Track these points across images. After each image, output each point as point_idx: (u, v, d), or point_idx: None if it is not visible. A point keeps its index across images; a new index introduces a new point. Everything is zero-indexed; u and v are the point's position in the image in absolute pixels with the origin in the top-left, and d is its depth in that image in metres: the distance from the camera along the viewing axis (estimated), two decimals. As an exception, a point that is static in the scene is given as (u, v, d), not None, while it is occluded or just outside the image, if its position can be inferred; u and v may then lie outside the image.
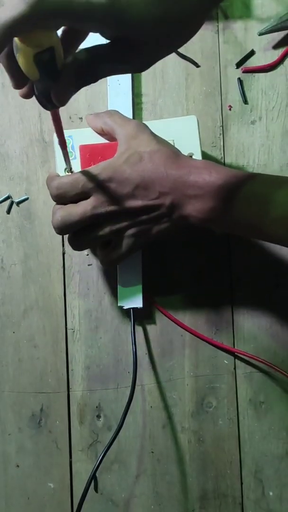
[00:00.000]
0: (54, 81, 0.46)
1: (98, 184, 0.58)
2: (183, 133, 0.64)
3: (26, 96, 0.48)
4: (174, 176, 0.58)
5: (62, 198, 0.60)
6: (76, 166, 0.63)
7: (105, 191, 0.58)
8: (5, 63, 0.45)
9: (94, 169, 0.59)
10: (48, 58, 0.44)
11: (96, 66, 0.47)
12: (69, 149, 0.63)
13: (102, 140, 0.64)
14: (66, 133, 0.64)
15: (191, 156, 0.64)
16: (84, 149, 0.62)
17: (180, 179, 0.58)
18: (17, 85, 0.47)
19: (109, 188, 0.58)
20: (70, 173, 0.62)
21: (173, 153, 0.60)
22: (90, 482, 0.64)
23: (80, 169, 0.62)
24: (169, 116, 0.71)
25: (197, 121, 0.65)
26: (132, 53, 0.47)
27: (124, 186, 0.58)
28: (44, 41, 0.43)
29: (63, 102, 0.48)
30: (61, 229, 0.60)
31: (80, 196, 0.59)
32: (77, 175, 0.59)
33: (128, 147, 0.59)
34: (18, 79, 0.46)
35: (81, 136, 0.64)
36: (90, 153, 0.62)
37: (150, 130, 0.61)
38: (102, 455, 0.64)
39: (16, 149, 0.70)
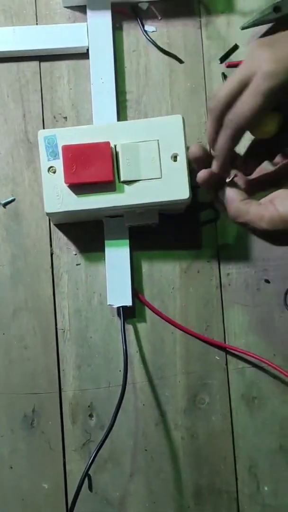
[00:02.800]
0: None
1: None
2: (168, 132, 0.64)
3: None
4: None
5: None
6: (59, 165, 0.63)
7: None
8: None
9: None
10: None
11: None
12: (52, 148, 0.63)
13: (86, 140, 0.63)
14: (49, 132, 0.64)
15: (175, 157, 0.64)
16: (67, 149, 0.62)
17: None
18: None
19: None
20: None
21: None
22: (83, 481, 0.64)
23: (62, 169, 0.62)
24: (153, 113, 0.71)
25: (183, 120, 0.64)
26: None
27: None
28: None
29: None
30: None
31: None
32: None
33: None
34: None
35: (64, 135, 0.64)
36: (72, 153, 0.62)
37: None
38: (94, 453, 0.64)
39: (1, 150, 0.70)
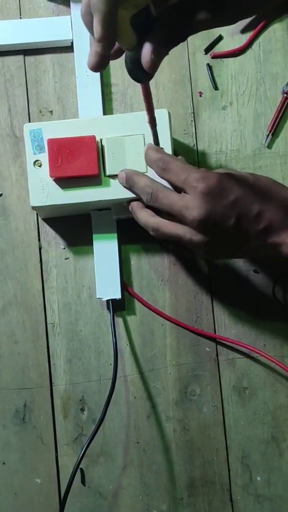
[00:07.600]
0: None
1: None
2: None
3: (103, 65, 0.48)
4: (277, 200, 0.59)
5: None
6: (45, 159, 0.62)
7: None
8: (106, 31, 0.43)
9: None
10: (144, 18, 0.42)
11: (188, 20, 0.48)
12: (38, 142, 0.63)
13: (71, 134, 0.63)
14: (35, 125, 0.64)
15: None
16: (52, 142, 0.62)
17: (285, 203, 0.58)
18: (104, 62, 0.47)
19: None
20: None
21: (276, 182, 0.61)
22: (74, 474, 0.64)
23: (48, 163, 0.62)
24: (139, 106, 0.70)
25: (169, 114, 0.64)
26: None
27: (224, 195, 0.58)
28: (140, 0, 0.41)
29: (155, 67, 0.49)
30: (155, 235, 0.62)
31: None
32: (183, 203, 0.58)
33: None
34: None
35: (50, 129, 0.64)
36: (58, 147, 0.62)
37: None
38: (85, 447, 0.64)
39: (-13, 145, 0.70)
